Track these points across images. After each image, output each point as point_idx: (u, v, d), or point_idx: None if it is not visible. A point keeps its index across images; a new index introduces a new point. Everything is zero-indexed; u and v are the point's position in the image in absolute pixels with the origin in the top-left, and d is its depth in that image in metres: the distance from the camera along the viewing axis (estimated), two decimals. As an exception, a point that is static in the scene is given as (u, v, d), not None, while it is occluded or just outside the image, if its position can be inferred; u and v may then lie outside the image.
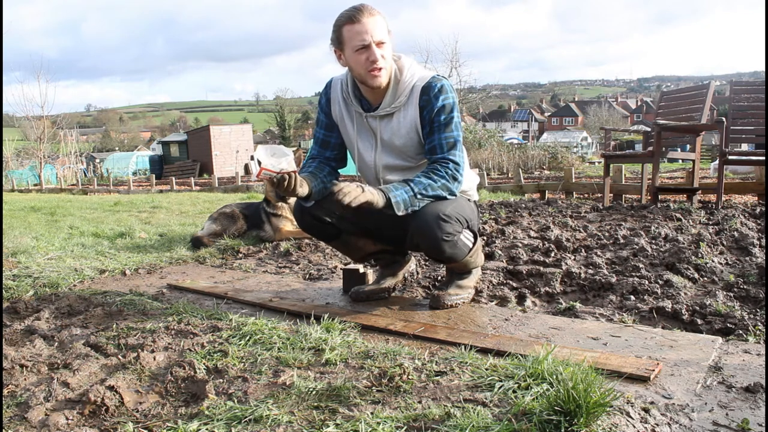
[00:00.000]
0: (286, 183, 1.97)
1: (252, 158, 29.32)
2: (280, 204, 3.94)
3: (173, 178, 16.79)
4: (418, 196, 2.00)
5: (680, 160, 13.97)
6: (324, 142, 2.27)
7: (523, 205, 4.97)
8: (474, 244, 2.20)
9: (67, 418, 1.34)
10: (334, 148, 2.27)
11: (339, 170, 2.30)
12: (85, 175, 27.53)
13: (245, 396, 1.42)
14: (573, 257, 2.88)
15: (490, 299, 2.35)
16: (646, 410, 1.33)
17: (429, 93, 2.06)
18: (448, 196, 2.07)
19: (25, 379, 1.57)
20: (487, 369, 1.52)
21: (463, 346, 1.71)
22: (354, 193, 1.88)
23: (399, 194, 1.97)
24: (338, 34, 2.02)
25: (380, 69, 2.01)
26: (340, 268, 2.81)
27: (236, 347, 1.75)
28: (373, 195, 1.91)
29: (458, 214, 2.07)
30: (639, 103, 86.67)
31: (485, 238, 3.35)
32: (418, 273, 2.71)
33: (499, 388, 1.40)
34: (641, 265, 2.62)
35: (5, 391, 1.49)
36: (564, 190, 7.11)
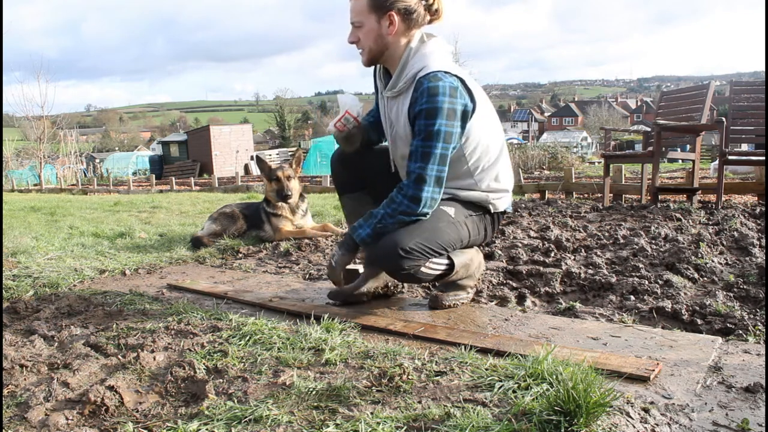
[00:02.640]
0: (352, 137, 2.20)
1: (252, 158, 29.30)
2: (280, 204, 3.94)
3: (173, 178, 16.80)
4: (378, 227, 1.98)
5: (680, 160, 13.97)
6: (375, 122, 2.34)
7: (523, 205, 4.97)
8: (446, 269, 2.08)
9: (67, 418, 1.34)
10: None
11: None
12: (85, 175, 27.55)
13: (245, 396, 1.42)
14: (573, 257, 2.88)
15: (490, 299, 2.35)
16: (646, 410, 1.33)
17: (418, 89, 1.93)
18: (413, 219, 1.97)
19: (25, 379, 1.57)
20: (487, 369, 1.52)
21: (463, 346, 1.71)
22: (330, 274, 2.20)
23: (361, 232, 2.02)
24: None
25: (360, 50, 2.06)
26: (340, 268, 2.81)
27: (236, 347, 1.75)
28: (343, 257, 2.11)
29: (425, 246, 1.95)
30: (639, 103, 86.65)
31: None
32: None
33: (499, 388, 1.40)
34: (641, 265, 2.62)
35: (5, 391, 1.49)
36: (564, 190, 7.11)
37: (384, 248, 1.95)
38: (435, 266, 2.04)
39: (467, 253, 2.17)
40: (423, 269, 2.00)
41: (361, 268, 2.48)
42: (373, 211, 2.02)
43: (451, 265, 2.08)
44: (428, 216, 1.99)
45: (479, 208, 2.16)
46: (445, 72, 1.93)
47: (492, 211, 2.18)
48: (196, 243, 3.81)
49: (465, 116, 1.95)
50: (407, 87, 2.00)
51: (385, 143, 2.30)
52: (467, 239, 2.13)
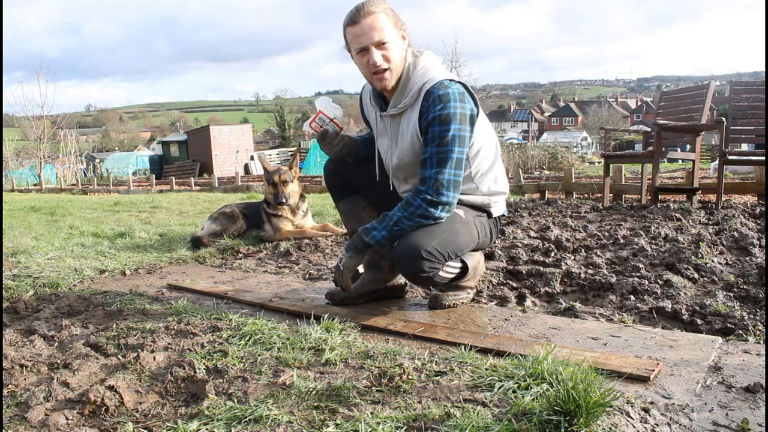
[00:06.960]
0: (328, 137, 2.17)
1: (252, 158, 29.32)
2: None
3: (173, 178, 16.78)
4: (394, 230, 1.98)
5: (680, 160, 13.97)
6: (369, 139, 2.31)
7: (523, 205, 4.97)
8: (459, 272, 2.12)
9: (67, 418, 1.34)
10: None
11: None
12: (85, 175, 27.55)
13: (245, 396, 1.42)
14: (573, 257, 2.88)
15: (490, 299, 2.35)
16: (646, 410, 1.33)
17: (428, 99, 1.94)
18: (431, 222, 1.98)
19: (25, 379, 1.57)
20: (487, 369, 1.52)
21: (463, 346, 1.71)
22: (338, 279, 2.11)
23: (375, 234, 2.00)
24: (344, 36, 2.00)
25: (383, 71, 1.95)
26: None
27: (236, 347, 1.75)
28: (351, 259, 2.05)
29: (445, 249, 1.98)
30: (639, 103, 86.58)
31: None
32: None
33: (499, 388, 1.40)
34: (641, 265, 2.62)
35: (5, 391, 1.49)
36: (564, 190, 7.10)
37: (405, 251, 1.95)
38: (450, 269, 2.08)
39: (475, 256, 2.22)
40: (440, 272, 2.03)
41: (360, 269, 2.48)
42: (387, 214, 2.02)
43: (464, 269, 2.13)
44: (444, 220, 2.01)
45: (481, 211, 2.20)
46: (450, 80, 1.98)
47: (492, 215, 2.22)
48: (196, 243, 3.81)
49: (473, 120, 2.00)
50: (413, 101, 2.01)
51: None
52: (477, 240, 2.16)
